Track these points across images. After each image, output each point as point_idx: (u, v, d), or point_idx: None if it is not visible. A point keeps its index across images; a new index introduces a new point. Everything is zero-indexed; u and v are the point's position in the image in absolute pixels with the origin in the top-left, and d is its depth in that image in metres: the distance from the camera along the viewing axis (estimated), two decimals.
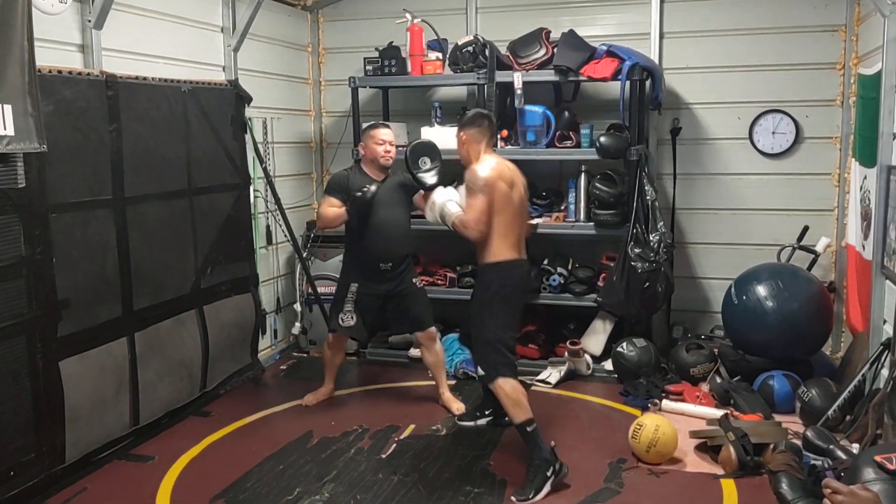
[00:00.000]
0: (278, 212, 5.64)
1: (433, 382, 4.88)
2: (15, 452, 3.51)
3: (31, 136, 3.30)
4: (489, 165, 3.85)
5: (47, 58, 3.65)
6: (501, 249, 3.83)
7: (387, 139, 4.60)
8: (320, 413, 4.75)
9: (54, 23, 3.81)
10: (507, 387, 3.77)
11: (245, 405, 4.81)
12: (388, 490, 3.72)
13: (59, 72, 3.71)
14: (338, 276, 5.84)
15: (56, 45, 3.87)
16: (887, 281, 4.01)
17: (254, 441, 4.32)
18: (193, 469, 3.99)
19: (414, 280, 4.77)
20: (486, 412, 4.44)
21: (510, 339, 3.93)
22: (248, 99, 5.20)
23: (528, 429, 3.73)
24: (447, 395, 4.82)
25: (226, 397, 5.00)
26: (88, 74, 3.93)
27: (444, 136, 5.47)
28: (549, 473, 3.66)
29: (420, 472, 3.90)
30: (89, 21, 4.04)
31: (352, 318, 4.64)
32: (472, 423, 4.46)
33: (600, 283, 5.37)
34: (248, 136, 5.27)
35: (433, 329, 4.79)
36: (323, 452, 4.16)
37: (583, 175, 5.36)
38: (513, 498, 3.63)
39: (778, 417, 4.36)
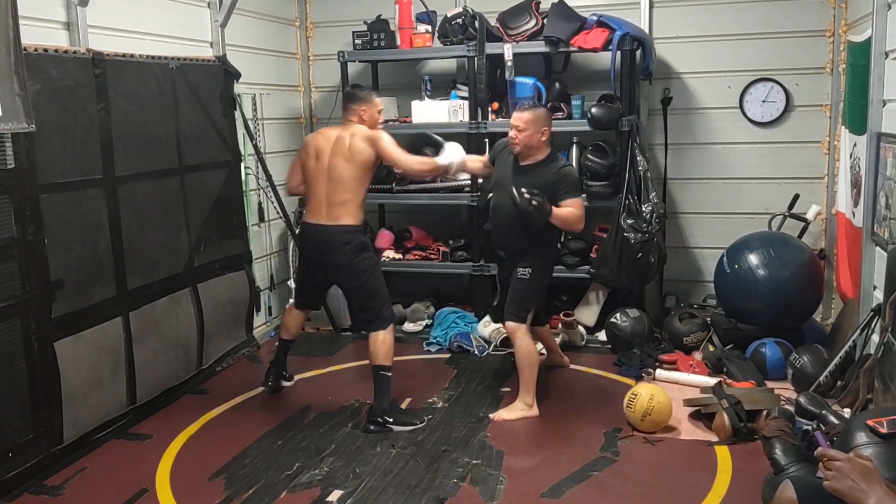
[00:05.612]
0: (270, 189, 5.61)
1: (427, 356, 4.85)
2: (12, 434, 3.51)
3: (18, 117, 3.25)
4: None
5: (32, 36, 3.58)
6: None
7: (514, 123, 4.20)
8: (317, 388, 4.77)
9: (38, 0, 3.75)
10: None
11: (241, 382, 4.81)
12: (386, 463, 3.74)
13: (46, 50, 3.66)
14: None
15: (40, 23, 3.80)
16: (877, 247, 4.03)
17: (251, 417, 4.33)
18: (192, 447, 4.00)
19: (520, 269, 4.26)
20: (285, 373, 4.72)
21: None
22: (237, 75, 5.14)
23: None
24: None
25: (222, 374, 5.01)
26: (75, 52, 3.88)
27: (434, 109, 5.47)
28: None
29: (418, 445, 3.92)
30: None
31: (496, 298, 4.63)
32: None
33: (593, 255, 5.39)
34: (237, 113, 5.23)
35: (509, 323, 4.26)
36: (321, 427, 4.18)
37: (574, 146, 5.35)
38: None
39: (770, 384, 4.41)
